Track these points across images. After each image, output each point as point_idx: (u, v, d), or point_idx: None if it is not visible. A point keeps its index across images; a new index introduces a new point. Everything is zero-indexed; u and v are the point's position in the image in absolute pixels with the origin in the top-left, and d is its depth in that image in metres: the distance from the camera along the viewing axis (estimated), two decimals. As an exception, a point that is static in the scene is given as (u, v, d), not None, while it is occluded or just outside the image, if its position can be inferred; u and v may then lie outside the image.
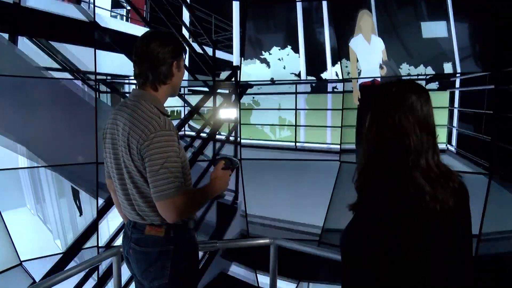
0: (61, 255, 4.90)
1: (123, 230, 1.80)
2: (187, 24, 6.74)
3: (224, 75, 6.75)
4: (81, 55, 5.17)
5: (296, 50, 6.74)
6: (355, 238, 1.12)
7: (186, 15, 6.82)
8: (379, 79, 5.43)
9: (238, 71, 6.06)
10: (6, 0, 4.62)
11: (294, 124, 7.38)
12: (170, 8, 5.76)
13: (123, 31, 6.77)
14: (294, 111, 7.25)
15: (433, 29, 6.01)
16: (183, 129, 6.88)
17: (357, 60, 5.98)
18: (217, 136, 6.22)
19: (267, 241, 2.41)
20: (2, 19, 4.65)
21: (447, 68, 5.94)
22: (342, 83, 6.32)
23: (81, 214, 6.56)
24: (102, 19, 5.69)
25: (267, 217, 5.92)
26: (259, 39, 7.33)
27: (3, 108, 4.63)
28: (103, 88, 5.98)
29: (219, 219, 5.88)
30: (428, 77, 6.04)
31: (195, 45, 6.02)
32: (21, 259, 4.81)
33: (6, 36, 4.65)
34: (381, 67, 5.44)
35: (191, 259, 1.73)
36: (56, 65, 5.07)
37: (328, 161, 6.18)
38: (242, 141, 6.38)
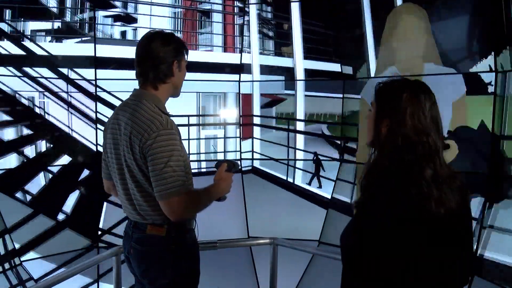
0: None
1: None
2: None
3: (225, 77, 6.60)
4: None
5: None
6: (355, 238, 1.12)
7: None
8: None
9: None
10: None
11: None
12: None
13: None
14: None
15: None
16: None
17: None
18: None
19: (267, 241, 2.41)
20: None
21: None
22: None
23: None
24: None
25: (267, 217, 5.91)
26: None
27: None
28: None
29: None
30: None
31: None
32: (21, 259, 4.81)
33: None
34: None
35: (192, 259, 1.72)
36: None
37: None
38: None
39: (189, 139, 6.26)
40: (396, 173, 1.11)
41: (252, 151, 6.31)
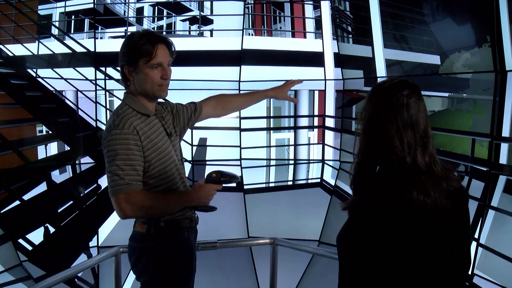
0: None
1: None
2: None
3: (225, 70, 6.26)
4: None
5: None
6: (350, 239, 1.12)
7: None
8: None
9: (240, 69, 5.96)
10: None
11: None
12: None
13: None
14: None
15: None
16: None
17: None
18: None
19: (267, 241, 2.41)
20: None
21: None
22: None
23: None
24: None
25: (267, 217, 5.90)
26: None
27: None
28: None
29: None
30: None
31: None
32: (21, 259, 4.81)
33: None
34: None
35: (172, 255, 1.69)
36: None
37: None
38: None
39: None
40: (379, 173, 1.13)
41: (323, 160, 5.49)
